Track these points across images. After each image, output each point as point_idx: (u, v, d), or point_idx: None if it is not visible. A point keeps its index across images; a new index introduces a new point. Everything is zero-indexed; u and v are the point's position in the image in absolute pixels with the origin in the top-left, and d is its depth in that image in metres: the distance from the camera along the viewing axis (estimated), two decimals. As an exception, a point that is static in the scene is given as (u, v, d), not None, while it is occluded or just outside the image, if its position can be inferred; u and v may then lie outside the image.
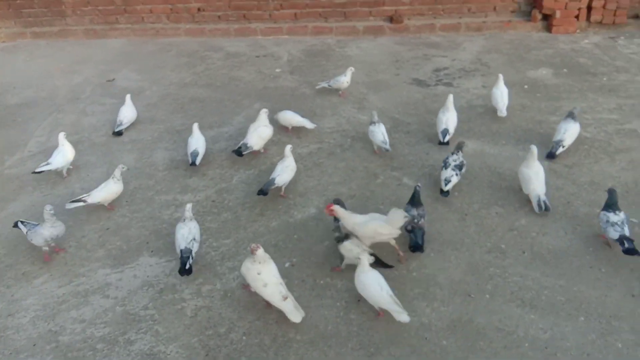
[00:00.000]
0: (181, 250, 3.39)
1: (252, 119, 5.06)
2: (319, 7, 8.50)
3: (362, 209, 4.06)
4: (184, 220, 3.54)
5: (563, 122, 4.80)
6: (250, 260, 3.05)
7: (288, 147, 4.39)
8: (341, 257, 3.44)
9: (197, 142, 4.73)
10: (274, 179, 4.15)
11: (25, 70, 7.35)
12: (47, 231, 3.54)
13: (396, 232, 3.43)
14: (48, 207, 3.55)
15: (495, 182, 4.40)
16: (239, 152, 4.67)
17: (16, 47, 8.36)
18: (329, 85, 6.03)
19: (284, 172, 4.23)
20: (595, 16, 7.87)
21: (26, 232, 3.62)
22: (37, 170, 4.50)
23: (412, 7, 8.43)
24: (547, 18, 7.97)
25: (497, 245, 3.69)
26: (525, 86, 6.20)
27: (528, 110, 5.62)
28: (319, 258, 3.60)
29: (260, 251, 3.03)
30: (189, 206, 3.63)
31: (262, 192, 4.10)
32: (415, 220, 3.66)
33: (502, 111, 5.37)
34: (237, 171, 4.68)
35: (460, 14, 8.42)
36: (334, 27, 8.42)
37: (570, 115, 4.79)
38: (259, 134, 4.79)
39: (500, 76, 5.51)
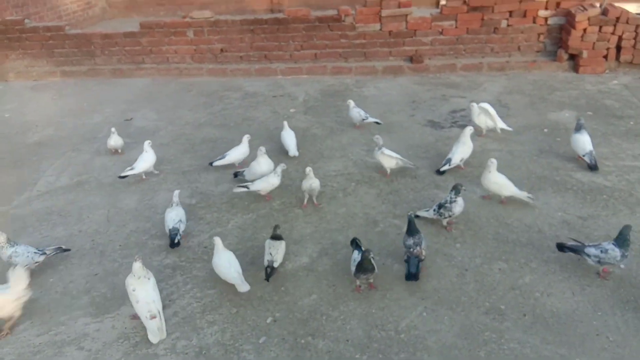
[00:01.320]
0: (169, 229, 4.06)
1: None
2: (339, 47, 8.53)
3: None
4: (172, 205, 4.22)
5: (578, 135, 5.03)
6: (130, 274, 3.28)
7: (309, 169, 4.50)
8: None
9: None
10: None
11: (50, 108, 7.60)
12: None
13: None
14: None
15: (502, 234, 4.15)
16: (240, 182, 4.84)
17: (46, 86, 8.70)
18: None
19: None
20: (625, 56, 7.58)
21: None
22: (122, 174, 5.09)
23: (432, 47, 8.34)
24: (573, 58, 7.73)
25: (496, 305, 3.42)
26: (545, 129, 5.94)
27: (545, 156, 5.35)
28: (303, 314, 3.42)
29: (137, 265, 3.25)
30: (176, 192, 4.34)
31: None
32: (411, 249, 3.63)
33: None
34: (234, 215, 4.59)
35: (483, 54, 8.27)
36: (353, 67, 8.40)
37: (578, 128, 5.03)
38: (268, 182, 4.70)
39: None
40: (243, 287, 3.55)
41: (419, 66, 8.29)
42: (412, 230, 3.70)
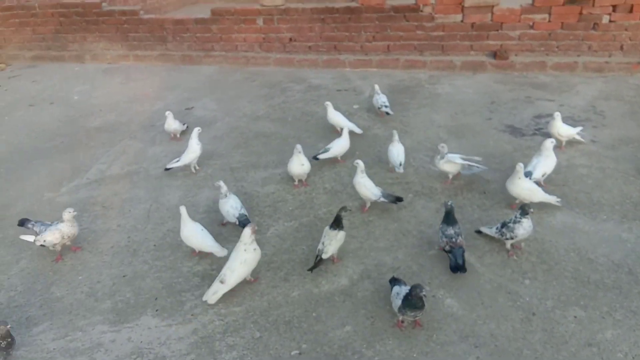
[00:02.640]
0: (237, 217, 3.96)
1: (310, 160, 4.75)
2: (415, 39, 7.92)
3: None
4: (225, 195, 4.05)
5: None
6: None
7: (360, 163, 4.21)
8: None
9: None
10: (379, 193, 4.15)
11: (116, 93, 7.63)
12: (67, 229, 3.77)
13: None
14: (71, 209, 3.82)
15: (583, 272, 3.46)
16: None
17: (117, 69, 8.79)
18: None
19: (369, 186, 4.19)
20: None
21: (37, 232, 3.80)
22: (168, 167, 4.99)
23: (520, 42, 7.53)
24: (688, 60, 6.60)
25: (566, 365, 2.81)
26: (650, 146, 5.06)
27: (645, 177, 4.52)
28: (333, 348, 2.98)
29: (247, 231, 3.35)
30: (221, 183, 4.10)
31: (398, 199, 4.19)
32: (453, 240, 3.46)
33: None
34: (275, 221, 4.23)
35: (579, 52, 7.34)
36: (427, 61, 7.76)
37: None
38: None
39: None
40: (221, 252, 3.60)
41: (503, 63, 7.49)
42: (451, 220, 3.53)
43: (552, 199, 4.11)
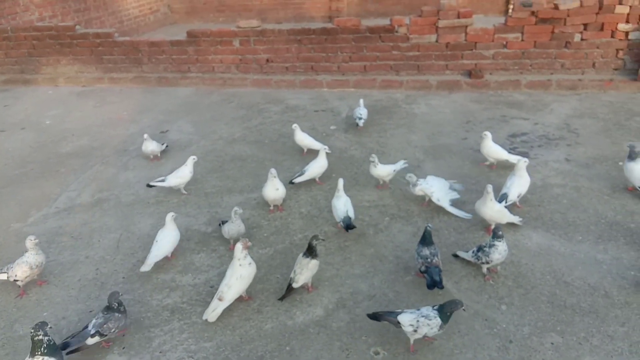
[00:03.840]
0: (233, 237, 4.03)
1: (286, 184, 4.73)
2: (391, 59, 7.97)
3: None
4: (232, 220, 4.01)
5: (633, 164, 4.47)
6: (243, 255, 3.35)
7: (341, 181, 4.24)
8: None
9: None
10: (348, 216, 4.07)
11: (90, 116, 7.50)
12: (32, 258, 3.63)
13: None
14: (32, 237, 3.66)
15: (559, 296, 3.43)
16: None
17: (92, 92, 8.67)
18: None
19: (348, 205, 4.15)
20: None
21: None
22: (151, 183, 4.91)
23: (495, 61, 7.61)
24: (658, 78, 6.73)
25: (544, 395, 2.74)
26: (621, 163, 5.08)
27: (619, 196, 4.54)
28: (306, 384, 2.89)
29: (238, 247, 3.35)
30: (235, 209, 4.02)
31: (350, 227, 4.06)
32: (429, 260, 3.45)
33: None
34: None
35: (552, 70, 7.45)
36: (404, 81, 7.80)
37: (633, 156, 4.45)
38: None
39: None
40: (144, 266, 3.74)
41: (478, 82, 7.56)
42: (427, 241, 3.52)
43: (515, 219, 4.12)
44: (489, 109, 6.81)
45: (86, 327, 3.12)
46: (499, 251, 3.47)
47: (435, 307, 2.98)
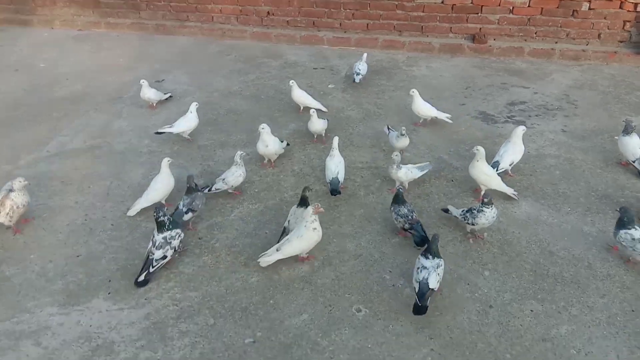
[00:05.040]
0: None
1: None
2: (394, 19, 7.77)
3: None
4: (236, 164, 4.12)
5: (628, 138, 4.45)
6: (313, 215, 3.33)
7: (336, 139, 4.21)
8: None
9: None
10: (337, 178, 4.03)
11: (85, 61, 7.36)
12: (19, 198, 3.68)
13: None
14: (21, 179, 3.71)
15: (543, 265, 3.47)
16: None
17: (88, 37, 8.48)
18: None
19: (340, 167, 4.12)
20: None
21: None
22: (159, 131, 4.89)
23: (499, 26, 7.43)
24: (663, 53, 6.61)
25: None
26: (616, 137, 5.04)
27: (612, 169, 4.54)
28: (287, 337, 2.95)
29: (309, 209, 3.35)
30: (238, 153, 4.16)
31: (335, 192, 4.02)
32: (409, 217, 3.56)
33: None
34: (240, 204, 4.14)
35: (557, 39, 7.29)
36: (406, 42, 7.64)
37: (628, 130, 4.42)
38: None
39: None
40: (131, 210, 3.91)
41: (482, 47, 7.42)
42: (401, 200, 3.61)
43: (509, 191, 4.09)
44: (489, 76, 6.71)
45: (177, 208, 3.68)
46: (486, 217, 3.49)
47: (425, 254, 3.05)
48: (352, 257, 3.55)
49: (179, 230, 3.41)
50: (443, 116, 5.22)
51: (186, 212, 3.70)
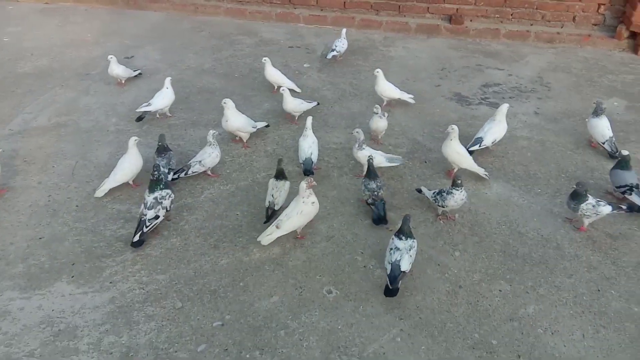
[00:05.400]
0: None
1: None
2: (372, -3, 7.63)
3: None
4: (209, 144, 4.05)
5: (597, 120, 4.49)
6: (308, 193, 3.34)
7: (309, 119, 4.21)
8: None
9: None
10: (310, 158, 4.03)
11: (52, 36, 7.08)
12: None
13: None
14: None
15: (512, 245, 3.50)
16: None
17: (55, 10, 8.14)
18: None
19: (314, 148, 4.11)
20: (697, 40, 6.49)
21: None
22: (138, 110, 4.80)
23: (476, 7, 7.39)
24: (635, 37, 6.67)
25: (486, 339, 2.84)
26: (587, 119, 5.10)
27: (582, 151, 4.59)
28: (257, 320, 2.92)
29: (303, 185, 3.33)
30: (211, 133, 4.11)
31: (308, 172, 3.99)
32: (375, 193, 3.60)
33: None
34: (211, 185, 4.06)
35: (532, 21, 7.28)
36: (383, 22, 7.54)
37: (598, 112, 4.46)
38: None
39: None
40: (98, 191, 3.79)
41: (458, 28, 7.37)
42: (372, 173, 3.62)
43: (480, 171, 4.10)
44: (465, 57, 6.69)
45: (157, 169, 3.51)
46: (455, 199, 3.50)
47: (399, 235, 3.05)
48: (324, 238, 3.52)
49: (169, 191, 3.45)
50: (406, 97, 5.19)
51: (168, 172, 3.82)
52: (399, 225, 3.12)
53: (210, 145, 4.03)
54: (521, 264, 3.35)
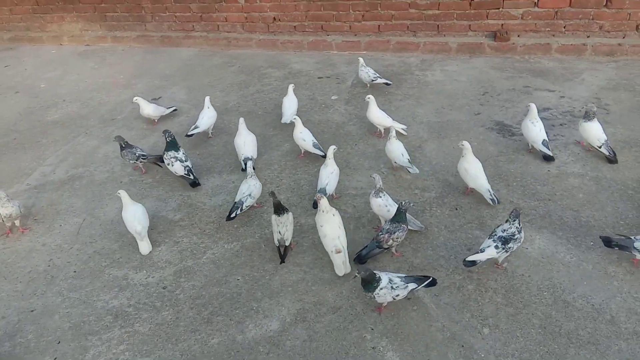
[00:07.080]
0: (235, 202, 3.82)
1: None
2: (407, 18, 7.22)
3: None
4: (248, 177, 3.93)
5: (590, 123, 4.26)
6: (318, 211, 3.32)
7: (332, 149, 4.05)
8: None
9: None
10: (324, 189, 3.87)
11: (85, 79, 7.16)
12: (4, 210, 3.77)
13: None
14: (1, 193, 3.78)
15: (555, 319, 2.92)
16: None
17: (94, 52, 8.31)
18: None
19: (332, 179, 3.96)
20: None
21: None
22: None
23: (524, 21, 6.77)
24: None
25: None
26: (579, 123, 4.43)
27: (646, 191, 3.88)
28: (241, 418, 2.53)
29: (324, 201, 3.27)
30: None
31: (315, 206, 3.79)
32: (380, 235, 3.33)
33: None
34: (215, 242, 3.76)
35: (588, 33, 6.56)
36: (421, 44, 7.07)
37: (590, 116, 4.23)
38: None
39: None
40: (142, 246, 3.61)
41: (504, 45, 6.77)
42: (395, 217, 3.31)
43: (486, 195, 3.83)
44: (511, 78, 6.07)
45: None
46: (520, 237, 3.18)
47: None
48: (330, 310, 3.10)
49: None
50: (398, 127, 4.81)
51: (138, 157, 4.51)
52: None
53: (251, 176, 3.91)
54: (565, 344, 2.76)
